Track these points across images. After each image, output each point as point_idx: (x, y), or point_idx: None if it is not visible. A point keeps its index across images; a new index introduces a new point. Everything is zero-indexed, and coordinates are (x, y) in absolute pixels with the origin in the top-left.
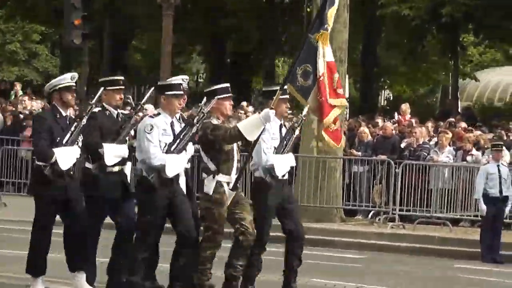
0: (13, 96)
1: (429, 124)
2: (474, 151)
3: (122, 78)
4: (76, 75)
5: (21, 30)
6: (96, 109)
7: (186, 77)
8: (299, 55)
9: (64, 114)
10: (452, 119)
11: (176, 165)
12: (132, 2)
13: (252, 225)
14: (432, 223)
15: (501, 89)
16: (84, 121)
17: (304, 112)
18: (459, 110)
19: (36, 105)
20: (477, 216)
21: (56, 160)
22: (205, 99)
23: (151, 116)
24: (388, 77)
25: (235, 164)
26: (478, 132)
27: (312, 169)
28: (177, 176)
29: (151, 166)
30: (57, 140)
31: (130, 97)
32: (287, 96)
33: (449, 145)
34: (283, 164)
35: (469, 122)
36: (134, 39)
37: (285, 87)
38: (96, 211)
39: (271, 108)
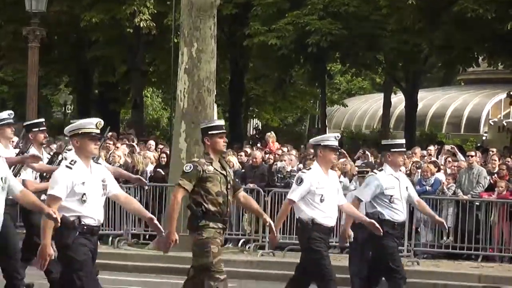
0: None
1: (294, 152)
2: (342, 178)
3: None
4: None
5: None
6: None
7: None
8: None
9: None
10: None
11: None
12: None
13: None
14: None
15: (368, 116)
16: None
17: None
18: None
19: None
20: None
21: None
22: None
23: None
24: (256, 106)
25: None
26: (344, 159)
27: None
28: None
29: None
30: None
31: None
32: None
33: None
34: None
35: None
36: (0, 71)
37: None
38: None
39: None
